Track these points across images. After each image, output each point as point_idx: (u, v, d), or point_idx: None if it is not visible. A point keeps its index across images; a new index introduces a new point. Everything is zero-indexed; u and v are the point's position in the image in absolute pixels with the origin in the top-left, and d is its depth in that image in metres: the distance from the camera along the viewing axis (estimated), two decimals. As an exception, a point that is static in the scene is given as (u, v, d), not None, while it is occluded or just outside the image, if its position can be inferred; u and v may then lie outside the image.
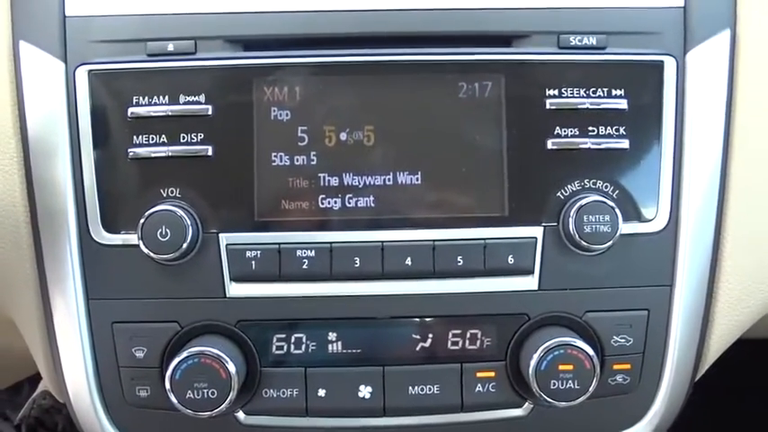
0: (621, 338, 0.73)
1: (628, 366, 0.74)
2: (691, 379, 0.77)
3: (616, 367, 0.74)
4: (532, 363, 0.69)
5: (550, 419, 0.75)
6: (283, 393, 0.73)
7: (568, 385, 0.69)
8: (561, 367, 0.69)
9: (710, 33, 0.74)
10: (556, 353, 0.69)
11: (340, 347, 0.73)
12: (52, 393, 0.81)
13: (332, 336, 0.73)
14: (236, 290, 0.72)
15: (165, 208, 0.70)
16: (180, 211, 0.70)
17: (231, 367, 0.69)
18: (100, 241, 0.72)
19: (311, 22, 0.73)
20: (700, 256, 0.74)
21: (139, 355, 0.72)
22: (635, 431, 0.76)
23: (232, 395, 0.69)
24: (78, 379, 0.74)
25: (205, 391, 0.68)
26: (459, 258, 0.72)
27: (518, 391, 0.73)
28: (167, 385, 0.69)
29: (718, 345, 0.77)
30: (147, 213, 0.70)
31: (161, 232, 0.69)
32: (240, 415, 0.74)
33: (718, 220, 0.74)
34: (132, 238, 0.71)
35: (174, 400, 0.69)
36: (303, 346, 0.73)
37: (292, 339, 0.73)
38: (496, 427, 0.75)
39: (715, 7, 0.75)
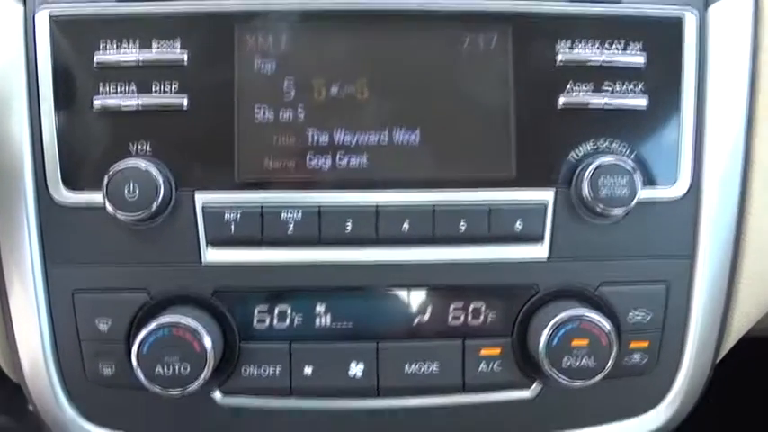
0: (639, 314, 0.67)
1: (645, 344, 0.67)
2: (712, 360, 0.70)
3: (633, 345, 0.67)
4: (543, 337, 0.62)
5: (559, 403, 0.68)
6: (265, 371, 0.66)
7: (583, 362, 0.62)
8: (575, 343, 0.62)
9: None
10: (569, 326, 0.62)
11: (329, 321, 0.66)
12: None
13: (320, 308, 0.66)
14: (212, 256, 0.65)
15: (133, 163, 0.63)
16: (150, 167, 0.63)
17: (207, 340, 0.61)
18: (60, 200, 0.65)
19: None
20: (723, 225, 0.68)
21: (103, 327, 0.65)
22: (652, 417, 0.70)
23: (207, 371, 0.61)
24: (34, 354, 0.66)
25: (177, 366, 0.61)
26: (461, 223, 0.65)
27: (525, 370, 0.67)
28: (134, 360, 0.61)
29: (740, 323, 0.71)
30: (113, 169, 0.62)
31: (129, 189, 0.62)
32: (216, 395, 0.67)
33: (743, 186, 0.68)
34: (96, 198, 0.63)
35: (141, 376, 0.61)
36: (287, 319, 0.66)
37: (275, 311, 0.66)
38: (501, 411, 0.68)
39: None
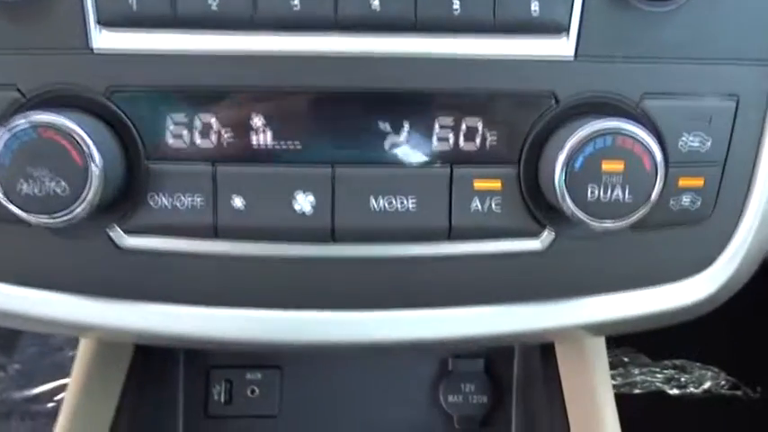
0: (694, 139, 0.49)
1: (699, 182, 0.50)
2: (785, 211, 0.53)
3: (683, 183, 0.49)
4: (561, 158, 0.45)
5: (578, 259, 0.51)
6: (180, 202, 0.49)
7: (615, 195, 0.45)
8: (606, 166, 0.45)
9: None
10: (600, 143, 0.45)
11: (269, 137, 0.48)
12: None
13: (257, 119, 0.48)
14: (106, 41, 0.47)
15: None
16: None
17: (92, 148, 0.44)
18: None
19: None
20: (819, 19, 0.49)
21: None
22: (699, 283, 0.53)
23: (91, 192, 0.44)
24: None
25: (47, 182, 0.44)
26: (454, 2, 0.46)
27: (534, 212, 0.50)
28: (-9, 174, 0.44)
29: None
30: None
31: None
32: (117, 234, 0.50)
33: None
34: (-55, -45, 0.45)
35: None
36: (212, 133, 0.48)
37: (195, 122, 0.48)
38: (499, 267, 0.51)
39: None
